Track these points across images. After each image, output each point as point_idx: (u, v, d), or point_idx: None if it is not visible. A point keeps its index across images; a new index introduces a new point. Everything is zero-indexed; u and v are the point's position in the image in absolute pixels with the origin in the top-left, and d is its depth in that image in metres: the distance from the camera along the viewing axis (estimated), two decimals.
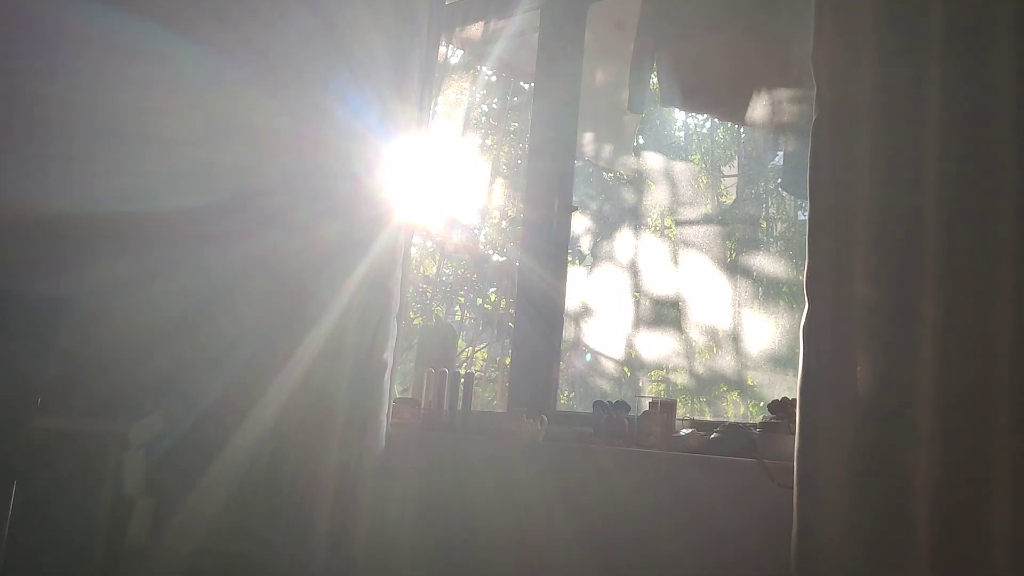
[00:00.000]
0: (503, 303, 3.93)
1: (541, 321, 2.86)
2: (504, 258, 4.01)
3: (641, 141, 3.33)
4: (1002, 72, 1.76)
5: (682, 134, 3.47)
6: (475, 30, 3.17)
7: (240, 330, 3.11)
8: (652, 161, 3.27)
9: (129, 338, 3.15)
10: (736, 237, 2.99)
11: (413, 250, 3.17)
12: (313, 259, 2.95)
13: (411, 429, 2.82)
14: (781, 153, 2.89)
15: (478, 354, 4.06)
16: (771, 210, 3.12)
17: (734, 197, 3.20)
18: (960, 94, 1.80)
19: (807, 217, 2.01)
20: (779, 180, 2.96)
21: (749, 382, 2.77)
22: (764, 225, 3.08)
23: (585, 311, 3.15)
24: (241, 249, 3.19)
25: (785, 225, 3.05)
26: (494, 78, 3.86)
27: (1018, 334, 1.67)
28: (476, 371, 3.88)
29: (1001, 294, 1.71)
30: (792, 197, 2.95)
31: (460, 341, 3.86)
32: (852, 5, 1.98)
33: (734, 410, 2.84)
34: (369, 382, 2.73)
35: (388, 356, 2.76)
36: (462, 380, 2.80)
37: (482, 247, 4.04)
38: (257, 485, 2.86)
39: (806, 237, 1.99)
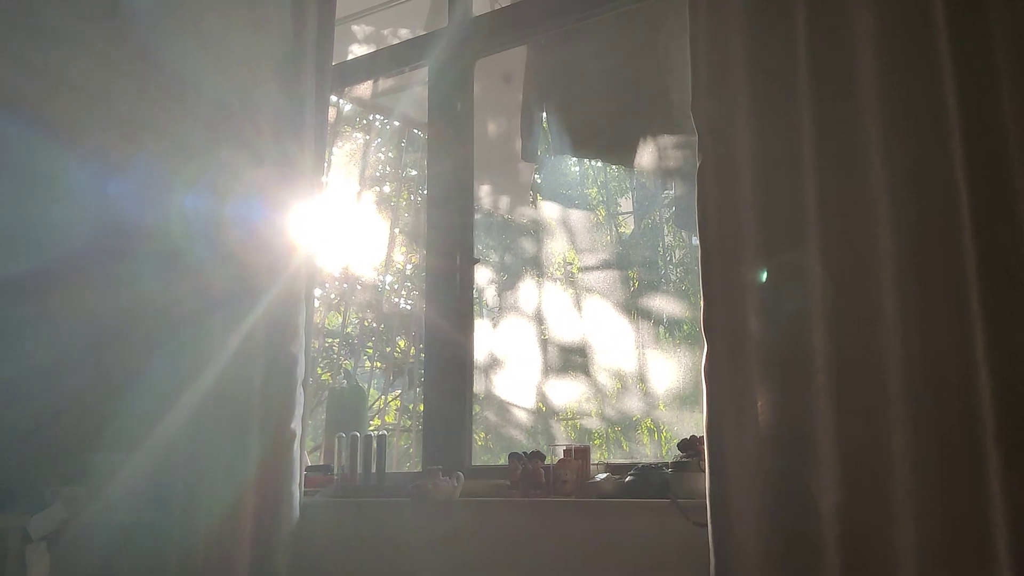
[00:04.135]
0: (412, 350, 3.91)
1: (451, 376, 2.84)
2: (411, 304, 4.00)
3: (538, 179, 3.37)
4: (868, 114, 1.87)
5: (577, 169, 3.54)
6: (364, 88, 3.17)
7: (138, 396, 2.99)
8: (549, 210, 3.31)
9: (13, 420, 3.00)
10: (636, 277, 3.05)
11: (316, 302, 3.11)
12: (207, 308, 2.85)
13: (325, 497, 2.76)
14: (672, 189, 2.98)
15: (392, 402, 4.02)
16: (668, 238, 3.19)
17: (632, 227, 3.27)
18: (831, 138, 1.90)
19: (699, 257, 2.07)
20: (672, 211, 3.04)
21: (654, 423, 2.81)
22: (662, 251, 3.15)
23: (495, 362, 3.16)
24: (129, 295, 3.07)
25: (683, 251, 3.13)
26: (388, 126, 3.87)
27: (906, 358, 1.76)
28: (389, 420, 3.83)
29: (885, 322, 1.79)
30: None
31: (372, 390, 3.81)
32: (725, 61, 2.06)
33: (651, 442, 2.88)
34: (278, 453, 2.67)
35: (296, 425, 2.69)
36: (374, 443, 2.76)
37: (387, 297, 4.01)
38: (170, 566, 2.75)
39: (699, 277, 2.05)
